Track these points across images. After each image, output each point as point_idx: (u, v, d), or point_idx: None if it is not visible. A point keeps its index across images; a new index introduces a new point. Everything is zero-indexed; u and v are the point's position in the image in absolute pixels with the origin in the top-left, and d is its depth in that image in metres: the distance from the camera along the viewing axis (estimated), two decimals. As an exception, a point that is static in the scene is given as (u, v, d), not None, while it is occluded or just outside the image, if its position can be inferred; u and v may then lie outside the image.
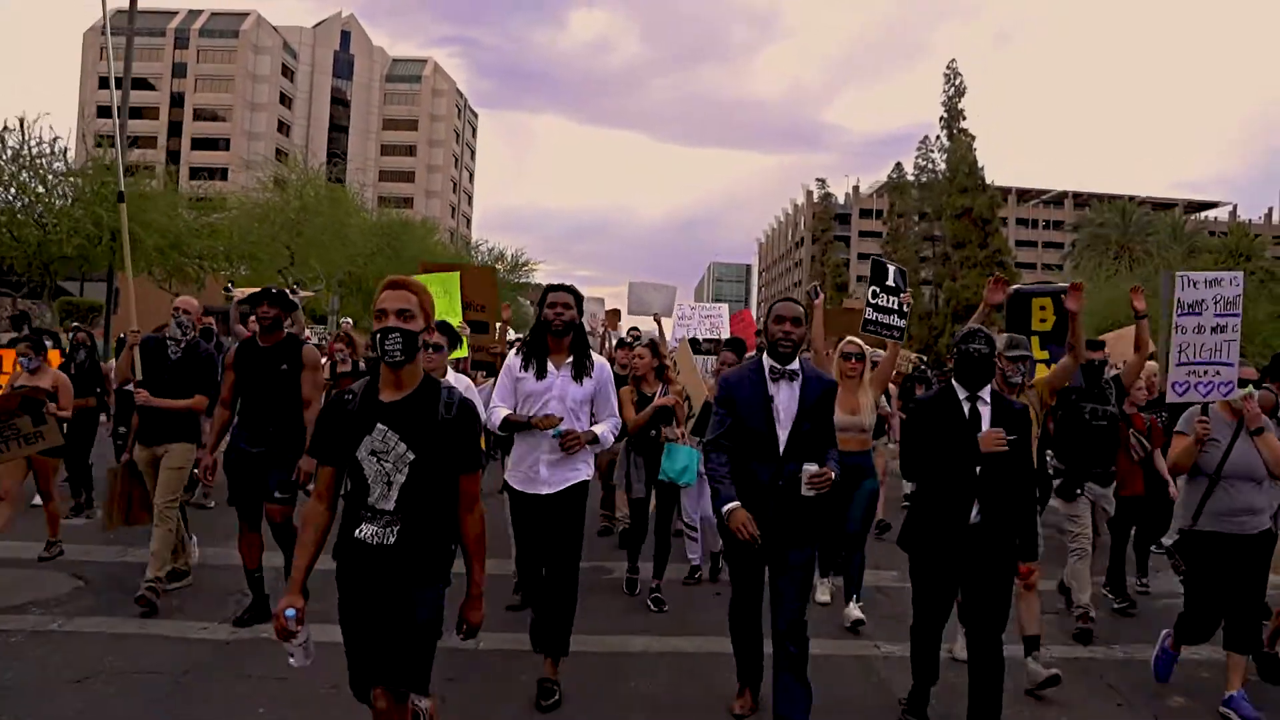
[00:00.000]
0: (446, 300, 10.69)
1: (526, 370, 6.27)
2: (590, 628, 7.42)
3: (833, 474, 5.61)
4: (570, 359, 6.30)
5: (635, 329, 18.41)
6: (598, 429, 6.42)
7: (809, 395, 5.76)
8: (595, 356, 6.44)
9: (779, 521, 5.61)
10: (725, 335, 17.85)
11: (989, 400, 5.93)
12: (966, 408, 5.89)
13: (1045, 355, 8.46)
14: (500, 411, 6.32)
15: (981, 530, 5.71)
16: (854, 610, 8.39)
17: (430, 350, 6.86)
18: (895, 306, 9.22)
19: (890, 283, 9.21)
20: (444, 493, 4.00)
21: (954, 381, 6.02)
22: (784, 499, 5.61)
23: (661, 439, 9.12)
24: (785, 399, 5.75)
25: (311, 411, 7.52)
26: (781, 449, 5.66)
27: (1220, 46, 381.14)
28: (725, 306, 19.26)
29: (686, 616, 8.54)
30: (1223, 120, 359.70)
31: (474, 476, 4.10)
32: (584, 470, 6.38)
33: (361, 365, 14.60)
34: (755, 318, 22.59)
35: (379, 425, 3.92)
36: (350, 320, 20.81)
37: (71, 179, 26.80)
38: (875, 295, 9.19)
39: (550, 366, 6.28)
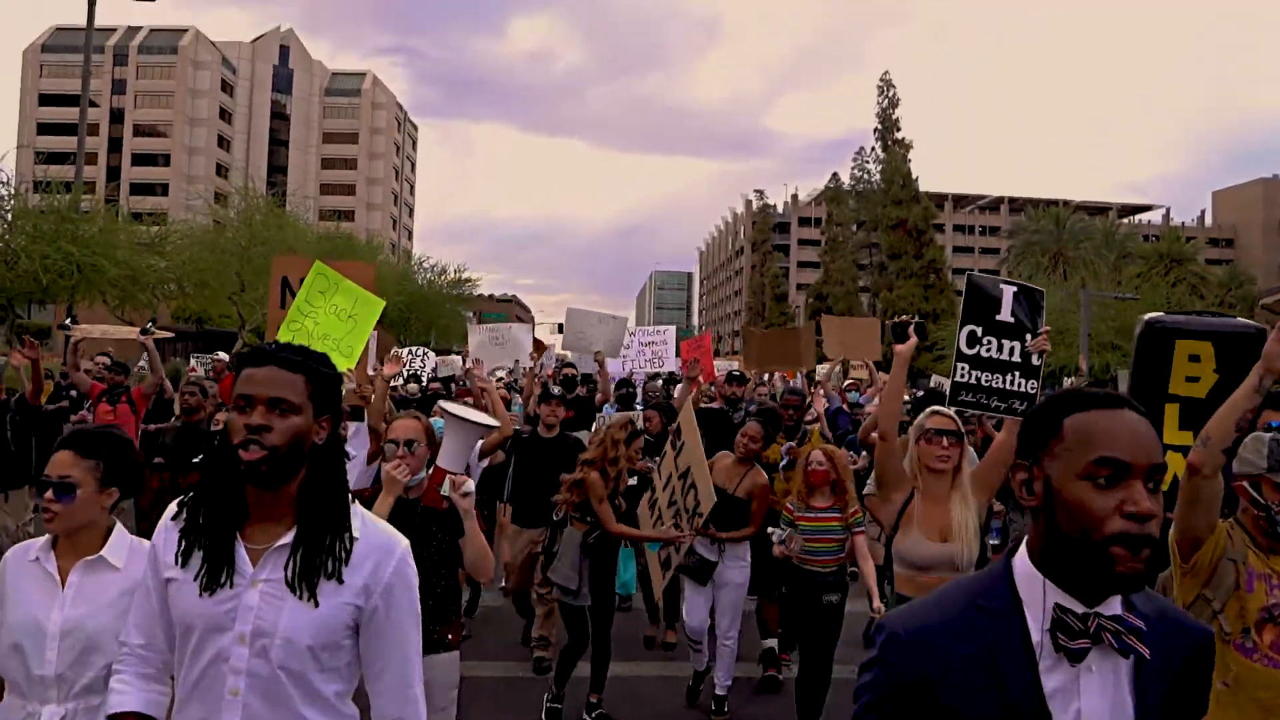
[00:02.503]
0: (351, 325, 7.66)
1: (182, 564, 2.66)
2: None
3: None
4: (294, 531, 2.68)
5: (570, 365, 14.79)
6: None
7: (1153, 689, 2.00)
8: (371, 527, 2.82)
9: None
10: (670, 366, 16.60)
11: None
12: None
13: (1186, 439, 4.58)
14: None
15: None
16: None
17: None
18: (1013, 358, 5.74)
19: (1007, 317, 5.74)
20: None
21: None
22: None
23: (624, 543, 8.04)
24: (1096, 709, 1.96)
25: None
26: None
27: (1158, 48, 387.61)
28: (671, 330, 16.86)
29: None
30: (1162, 120, 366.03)
31: None
32: None
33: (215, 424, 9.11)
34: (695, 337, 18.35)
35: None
36: (221, 356, 17.79)
37: (34, 221, 27.12)
38: (976, 341, 5.70)
39: (241, 554, 2.65)
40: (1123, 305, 40.21)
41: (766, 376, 17.33)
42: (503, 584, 9.41)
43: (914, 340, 5.56)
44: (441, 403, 5.50)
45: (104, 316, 29.84)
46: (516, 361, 16.70)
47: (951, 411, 5.52)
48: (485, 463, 8.25)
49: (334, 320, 7.57)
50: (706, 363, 15.63)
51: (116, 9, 28.49)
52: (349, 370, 7.74)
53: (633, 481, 8.15)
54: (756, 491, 8.06)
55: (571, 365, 14.65)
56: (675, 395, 13.05)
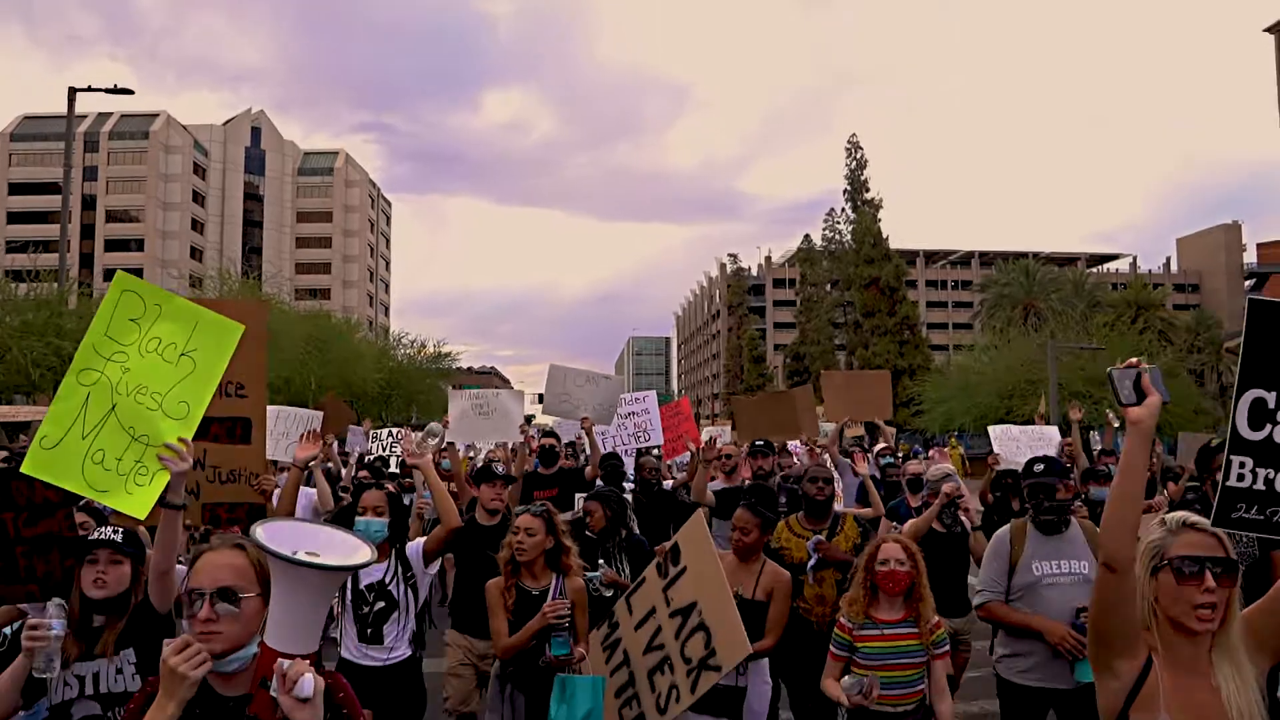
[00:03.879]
0: (187, 368, 4.73)
1: None
2: None
3: None
4: None
5: (550, 434, 12.08)
6: None
7: None
8: None
9: None
10: (657, 440, 13.79)
11: None
12: None
13: None
14: None
15: None
16: None
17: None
18: None
19: None
20: None
21: None
22: None
23: (553, 665, 5.72)
24: None
25: None
26: None
27: (1121, 100, 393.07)
28: (652, 396, 14.18)
29: None
30: (1127, 170, 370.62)
31: None
32: None
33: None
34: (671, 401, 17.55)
35: None
36: None
37: (23, 314, 27.29)
38: (1269, 417, 3.82)
39: None
40: (1091, 354, 40.69)
41: (796, 444, 15.68)
42: (445, 702, 7.34)
43: (1156, 398, 3.13)
44: (257, 527, 2.68)
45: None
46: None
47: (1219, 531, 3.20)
48: (434, 568, 6.81)
49: (156, 363, 4.68)
50: (689, 429, 15.17)
51: (90, 96, 28.68)
52: (184, 442, 4.36)
53: (608, 593, 6.87)
54: (777, 591, 6.36)
55: (553, 435, 11.93)
56: (681, 480, 12.07)
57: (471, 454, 14.07)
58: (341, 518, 7.22)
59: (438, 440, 7.17)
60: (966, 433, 47.06)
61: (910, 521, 7.75)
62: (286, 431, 11.15)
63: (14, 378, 26.42)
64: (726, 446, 10.72)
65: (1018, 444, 11.93)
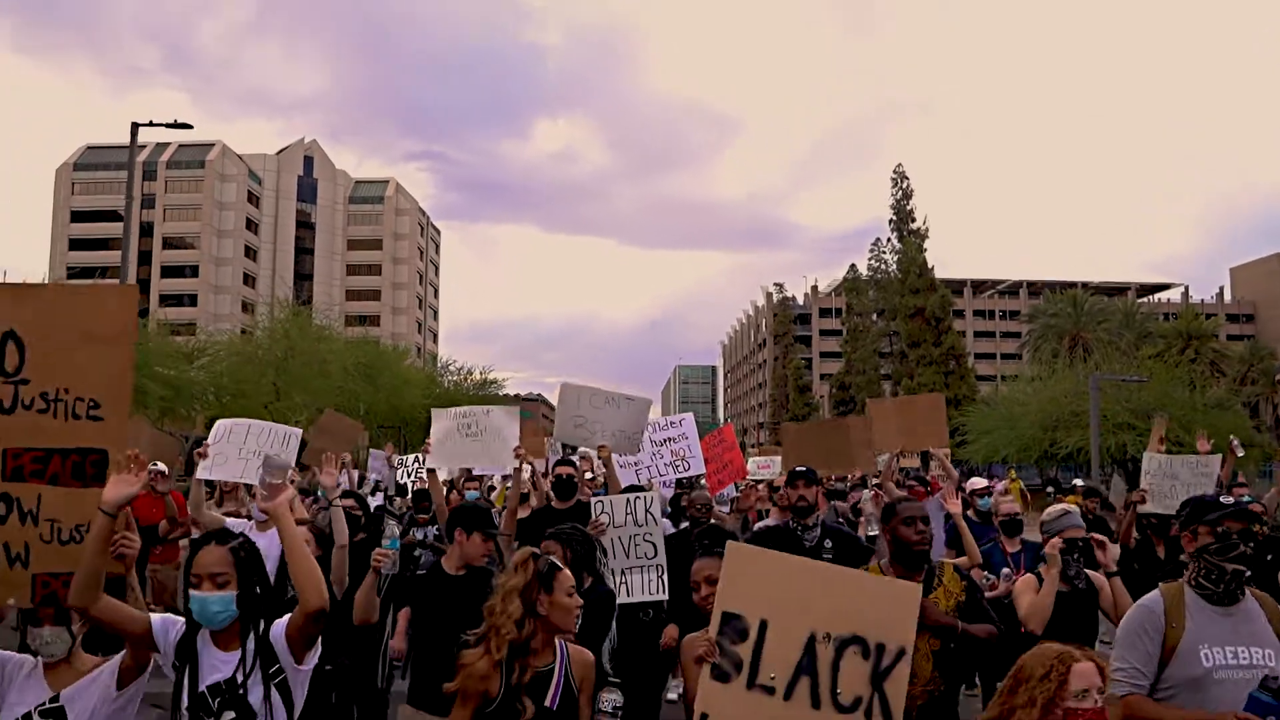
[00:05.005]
0: None
1: None
2: None
3: None
4: None
5: (567, 463, 9.86)
6: None
7: None
8: None
9: None
10: (698, 468, 11.93)
11: None
12: None
13: None
14: None
15: None
16: None
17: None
18: None
19: None
20: None
21: None
22: None
23: None
24: None
25: None
26: None
27: (1173, 127, 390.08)
28: (689, 419, 12.30)
29: None
30: (1179, 198, 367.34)
31: None
32: None
33: None
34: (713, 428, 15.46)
35: None
36: None
37: None
38: None
39: None
40: (1137, 386, 40.54)
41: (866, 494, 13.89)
42: None
43: None
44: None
45: (144, 428, 30.56)
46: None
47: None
48: (310, 662, 4.63)
49: None
50: (734, 458, 13.62)
51: (149, 127, 29.49)
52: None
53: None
54: None
55: (570, 463, 9.76)
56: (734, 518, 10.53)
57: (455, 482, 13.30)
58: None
59: (285, 473, 4.51)
60: (1010, 464, 47.06)
61: (1034, 591, 6.33)
62: (259, 450, 8.65)
63: None
64: (781, 479, 9.54)
65: (1176, 480, 10.25)
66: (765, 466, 19.82)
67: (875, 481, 13.11)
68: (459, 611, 5.17)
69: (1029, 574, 6.83)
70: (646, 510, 7.95)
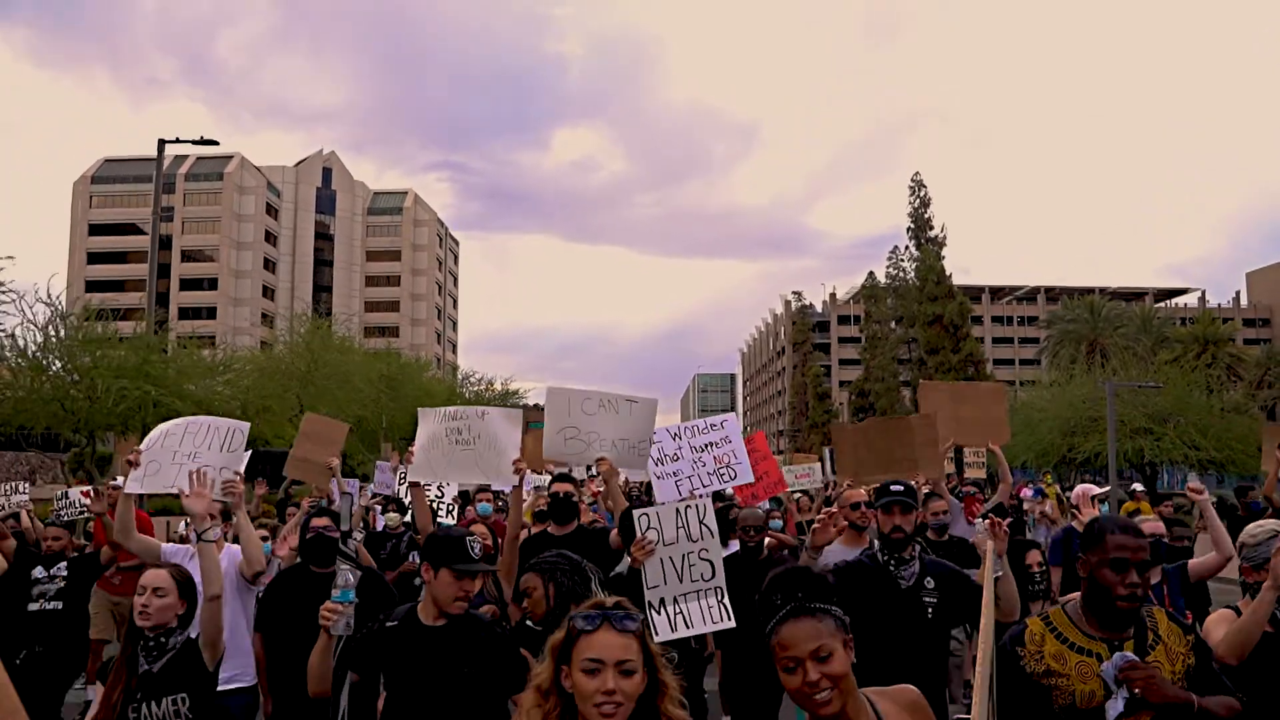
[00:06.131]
0: None
1: None
2: None
3: None
4: None
5: (565, 479, 8.56)
6: None
7: None
8: None
9: None
10: (747, 476, 8.94)
11: None
12: None
13: None
14: None
15: None
16: None
17: None
18: None
19: None
20: None
21: None
22: None
23: None
24: None
25: None
26: None
27: (1191, 131, 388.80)
28: (733, 419, 9.15)
29: None
30: (1198, 202, 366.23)
31: None
32: None
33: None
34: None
35: None
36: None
37: (119, 352, 28.21)
38: None
39: None
40: (1154, 391, 40.49)
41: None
42: None
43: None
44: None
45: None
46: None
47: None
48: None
49: None
50: (770, 468, 11.65)
51: (166, 137, 29.89)
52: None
53: None
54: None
55: (569, 479, 8.45)
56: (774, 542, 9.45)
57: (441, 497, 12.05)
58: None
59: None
60: (1030, 469, 46.97)
61: (1235, 623, 5.05)
62: (193, 453, 6.96)
63: (107, 418, 27.24)
64: (853, 493, 8.27)
65: None
66: (805, 475, 18.04)
67: (978, 496, 11.11)
68: (433, 676, 4.48)
69: (1225, 609, 5.28)
70: (700, 521, 6.39)
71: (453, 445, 7.56)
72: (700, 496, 8.59)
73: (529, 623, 5.23)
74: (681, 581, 6.17)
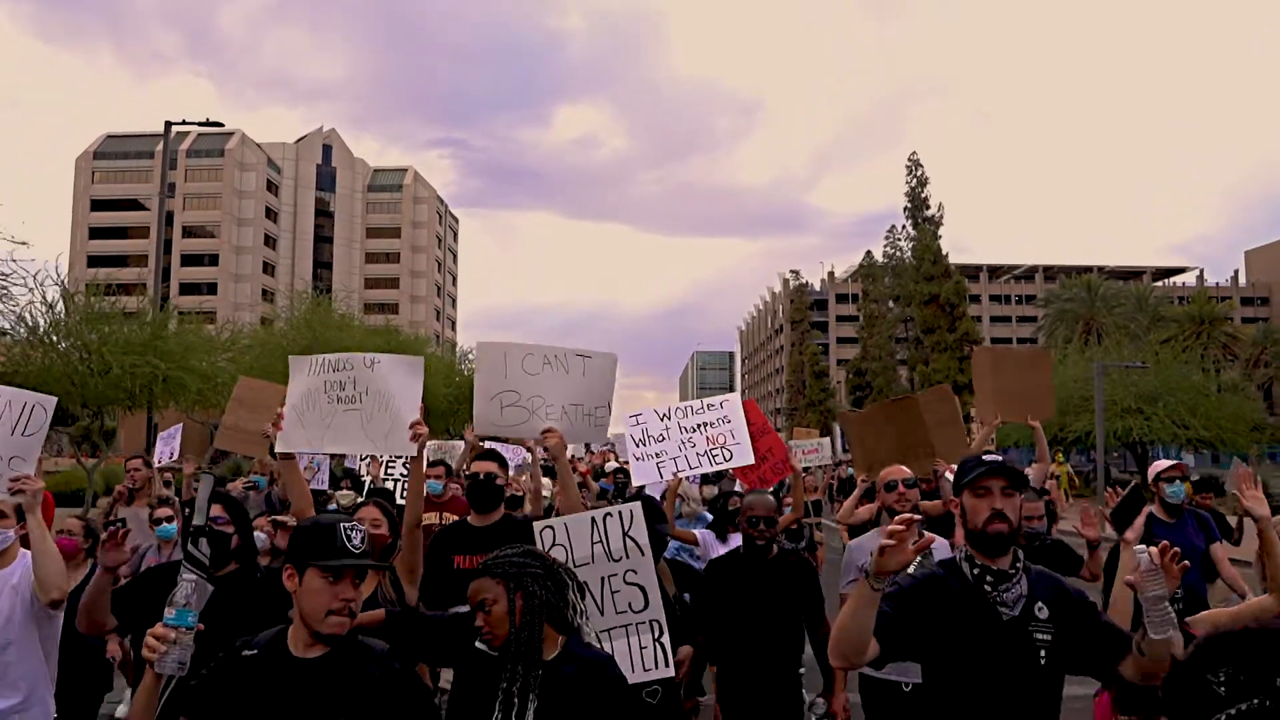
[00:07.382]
0: None
1: None
2: None
3: None
4: None
5: (490, 456, 6.34)
6: None
7: None
8: None
9: None
10: (747, 458, 7.53)
11: None
12: None
13: None
14: None
15: None
16: None
17: None
18: None
19: None
20: None
21: None
22: None
23: None
24: None
25: None
26: None
27: (1190, 110, 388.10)
28: (734, 399, 7.86)
29: None
30: (1197, 181, 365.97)
31: None
32: None
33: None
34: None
35: None
36: None
37: (127, 330, 28.50)
38: None
39: None
40: (1143, 370, 40.92)
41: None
42: None
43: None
44: None
45: (179, 418, 31.20)
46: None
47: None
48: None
49: None
50: (773, 445, 9.50)
51: (166, 112, 30.43)
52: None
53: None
54: None
55: (495, 457, 6.33)
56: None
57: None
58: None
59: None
60: (1022, 448, 47.38)
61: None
62: None
63: (115, 393, 27.61)
64: (891, 469, 6.83)
65: None
66: (813, 451, 15.97)
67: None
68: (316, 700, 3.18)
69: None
70: (625, 534, 4.84)
71: (333, 404, 5.66)
72: (692, 480, 8.38)
73: (480, 645, 3.72)
74: (603, 614, 4.73)
